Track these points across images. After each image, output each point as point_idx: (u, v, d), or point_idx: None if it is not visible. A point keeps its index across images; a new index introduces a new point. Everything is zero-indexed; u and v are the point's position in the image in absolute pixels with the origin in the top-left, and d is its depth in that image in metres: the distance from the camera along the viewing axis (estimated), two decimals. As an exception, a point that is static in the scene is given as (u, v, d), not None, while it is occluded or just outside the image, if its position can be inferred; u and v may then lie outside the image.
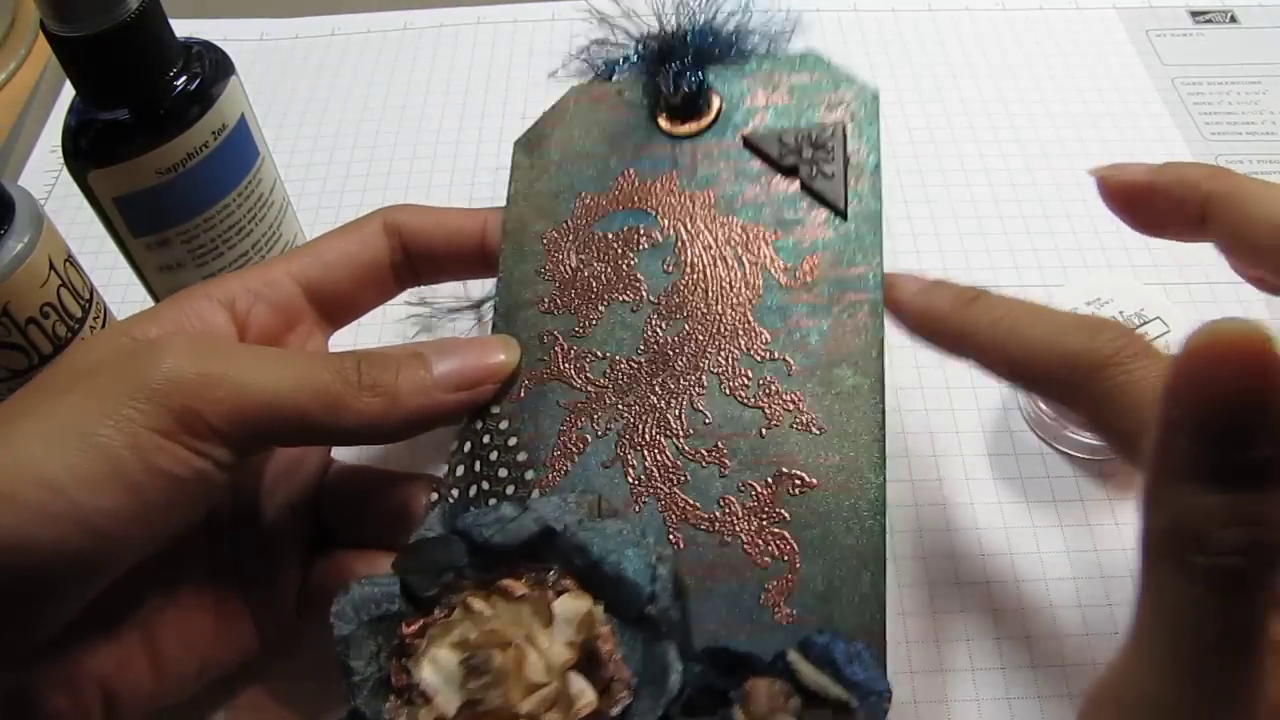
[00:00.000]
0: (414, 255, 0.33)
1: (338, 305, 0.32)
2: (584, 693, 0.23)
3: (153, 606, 0.29)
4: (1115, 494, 0.38)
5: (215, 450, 0.25)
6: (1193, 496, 0.19)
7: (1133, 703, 0.20)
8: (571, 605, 0.24)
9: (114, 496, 0.24)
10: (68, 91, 0.41)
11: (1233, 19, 0.58)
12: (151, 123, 0.34)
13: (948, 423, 0.41)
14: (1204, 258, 0.46)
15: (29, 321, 0.34)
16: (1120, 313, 0.38)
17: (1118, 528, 0.37)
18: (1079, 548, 0.37)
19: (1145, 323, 0.38)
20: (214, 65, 0.35)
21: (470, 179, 0.51)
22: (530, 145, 0.33)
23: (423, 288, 0.36)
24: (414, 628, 0.25)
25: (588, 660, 0.24)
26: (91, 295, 0.37)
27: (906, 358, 0.43)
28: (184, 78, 0.34)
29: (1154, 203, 0.31)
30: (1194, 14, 0.58)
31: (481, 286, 0.41)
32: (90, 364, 0.26)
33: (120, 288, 0.45)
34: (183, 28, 0.35)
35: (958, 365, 0.43)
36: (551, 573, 0.25)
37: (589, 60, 0.35)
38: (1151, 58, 0.56)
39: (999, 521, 0.38)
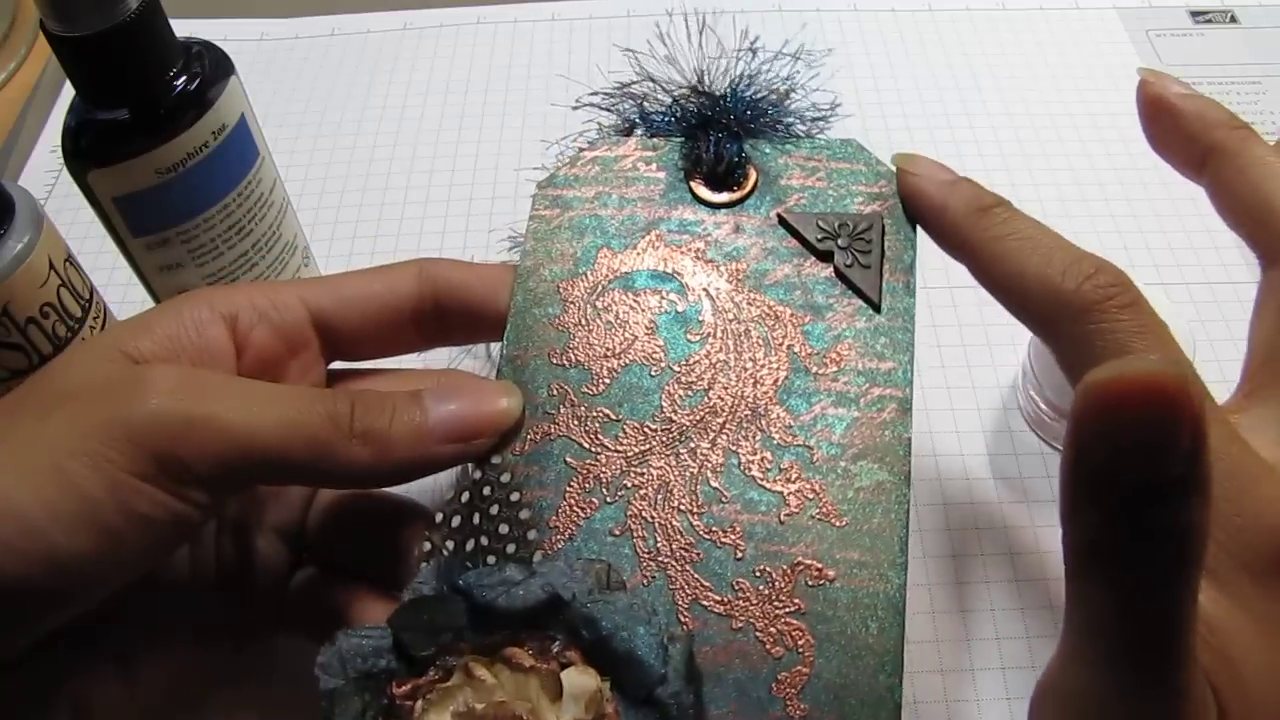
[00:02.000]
0: (449, 309, 0.31)
1: (346, 341, 0.31)
2: None
3: (128, 626, 0.28)
4: (1115, 494, 0.38)
5: (195, 494, 0.25)
6: (1104, 517, 0.19)
7: (1071, 694, 0.21)
8: (580, 681, 0.23)
9: (88, 538, 0.23)
10: (68, 91, 0.41)
11: (1233, 19, 0.58)
12: (151, 123, 0.34)
13: (948, 423, 0.41)
14: (1204, 258, 0.46)
15: (29, 321, 0.34)
16: (1120, 313, 0.38)
17: (1118, 528, 0.37)
18: (1079, 548, 0.37)
19: (1145, 323, 0.38)
20: (214, 65, 0.35)
21: (471, 179, 0.51)
22: (553, 189, 0.32)
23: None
24: (405, 688, 0.24)
25: None
26: (91, 295, 0.37)
27: (906, 358, 0.43)
28: (184, 78, 0.34)
29: (1170, 126, 0.30)
30: (1194, 14, 0.58)
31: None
32: (73, 385, 0.25)
33: (120, 288, 0.45)
34: (183, 28, 0.35)
35: (958, 365, 0.43)
36: (556, 643, 0.24)
37: (616, 109, 0.33)
38: (1151, 58, 0.56)
39: (999, 521, 0.38)
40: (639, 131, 0.33)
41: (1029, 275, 0.26)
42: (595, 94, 0.33)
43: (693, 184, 0.32)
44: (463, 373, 0.38)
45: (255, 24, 0.60)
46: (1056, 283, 0.25)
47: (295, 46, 0.59)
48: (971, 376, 0.42)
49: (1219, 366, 0.42)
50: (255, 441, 0.25)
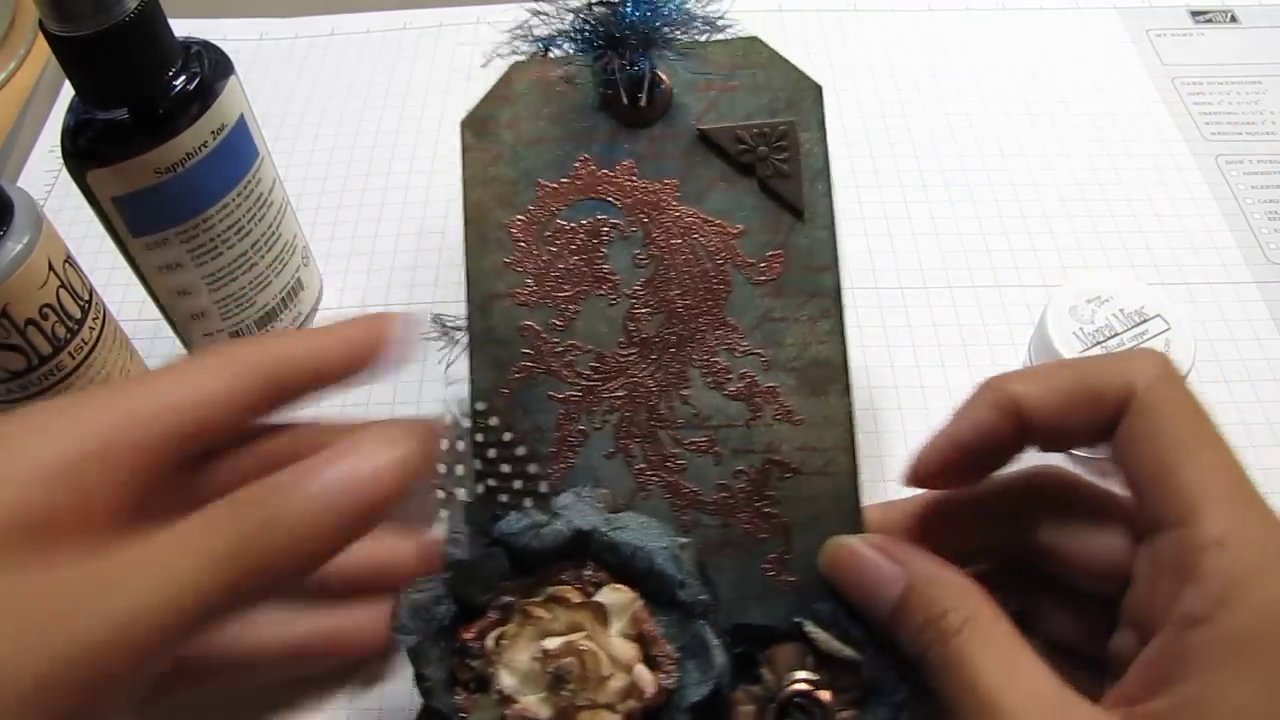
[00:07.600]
0: (284, 399, 0.24)
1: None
2: (648, 678, 0.27)
3: None
4: (1115, 494, 0.38)
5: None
6: None
7: None
8: (617, 597, 0.27)
9: None
10: (67, 91, 0.41)
11: (1233, 19, 0.58)
12: (151, 122, 0.34)
13: (948, 423, 0.41)
14: (1204, 258, 0.46)
15: (28, 323, 0.34)
16: (1120, 311, 0.38)
17: (1118, 528, 0.37)
18: (1079, 548, 0.37)
19: (1145, 321, 0.38)
20: (214, 65, 0.35)
21: (470, 179, 0.51)
22: (478, 126, 0.33)
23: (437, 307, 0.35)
24: (472, 633, 0.28)
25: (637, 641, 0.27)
26: (91, 296, 0.37)
27: (906, 357, 0.43)
28: (183, 77, 0.34)
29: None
30: (1194, 14, 0.58)
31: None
32: None
33: (120, 287, 0.45)
34: (183, 28, 0.35)
35: (958, 365, 0.43)
36: (588, 569, 0.28)
37: (527, 35, 0.34)
38: (1151, 58, 0.56)
39: (999, 521, 0.38)
40: (551, 52, 0.33)
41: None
42: (508, 42, 0.34)
43: (611, 105, 0.32)
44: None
45: (255, 24, 0.60)
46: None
47: (295, 46, 0.59)
48: (971, 377, 0.42)
49: (1219, 366, 0.42)
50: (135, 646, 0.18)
